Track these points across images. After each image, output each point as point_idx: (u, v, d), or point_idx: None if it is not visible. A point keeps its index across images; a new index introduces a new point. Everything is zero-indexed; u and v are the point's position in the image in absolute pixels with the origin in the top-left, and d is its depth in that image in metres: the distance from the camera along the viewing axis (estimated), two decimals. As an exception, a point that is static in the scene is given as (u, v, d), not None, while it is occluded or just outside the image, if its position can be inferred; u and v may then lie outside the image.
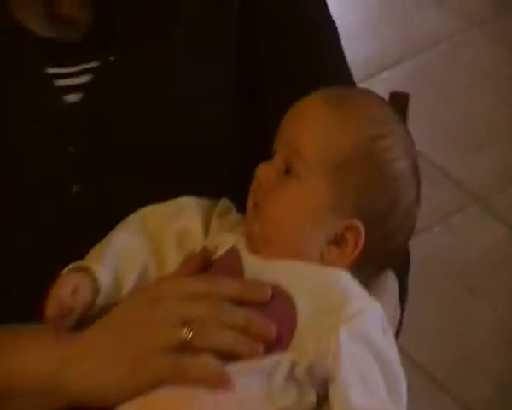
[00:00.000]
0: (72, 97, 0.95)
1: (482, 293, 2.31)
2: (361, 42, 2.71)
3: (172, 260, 0.97)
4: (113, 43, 0.96)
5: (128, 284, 0.94)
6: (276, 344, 0.88)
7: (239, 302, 0.89)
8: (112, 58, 0.97)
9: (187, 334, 0.87)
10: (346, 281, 0.92)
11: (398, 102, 1.25)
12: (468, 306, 2.30)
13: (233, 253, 0.94)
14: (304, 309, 0.89)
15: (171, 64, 1.01)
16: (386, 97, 1.20)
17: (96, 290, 0.91)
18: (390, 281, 1.05)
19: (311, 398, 0.87)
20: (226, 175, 1.06)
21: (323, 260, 0.93)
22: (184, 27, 1.01)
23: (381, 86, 2.36)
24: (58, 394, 0.90)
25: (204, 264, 0.94)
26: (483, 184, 2.46)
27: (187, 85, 1.03)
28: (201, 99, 1.04)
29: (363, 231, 0.93)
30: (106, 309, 0.92)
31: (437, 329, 2.22)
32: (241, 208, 0.99)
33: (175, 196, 0.98)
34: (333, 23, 1.11)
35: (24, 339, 0.93)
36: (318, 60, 1.10)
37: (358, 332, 0.88)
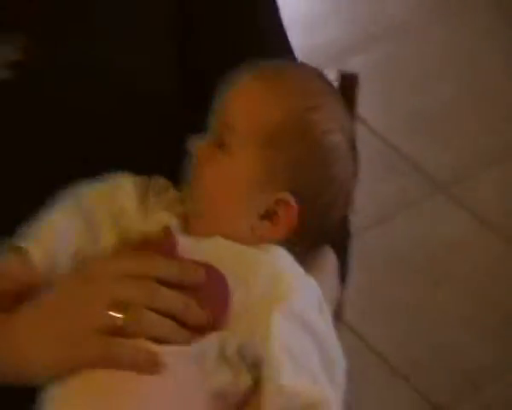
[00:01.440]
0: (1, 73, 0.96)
1: (446, 285, 2.35)
2: (326, 26, 2.74)
3: (108, 241, 0.97)
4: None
5: (63, 265, 0.93)
6: (209, 327, 0.89)
7: (174, 285, 0.89)
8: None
9: (120, 318, 0.87)
10: (278, 257, 0.92)
11: (348, 82, 1.33)
12: (433, 299, 2.32)
13: (167, 233, 0.94)
14: (237, 290, 0.89)
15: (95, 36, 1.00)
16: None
17: (31, 271, 0.91)
18: (328, 257, 1.06)
19: (247, 379, 0.88)
20: (166, 151, 1.03)
21: (255, 235, 0.93)
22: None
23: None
24: None
25: (142, 247, 0.94)
26: (447, 174, 2.51)
27: (117, 57, 1.02)
28: (135, 70, 1.03)
29: (294, 204, 0.93)
30: (40, 289, 0.91)
31: (393, 314, 2.24)
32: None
33: (111, 171, 0.98)
34: None
35: None
36: (255, 27, 1.10)
37: (292, 312, 0.88)
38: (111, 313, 0.87)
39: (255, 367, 0.88)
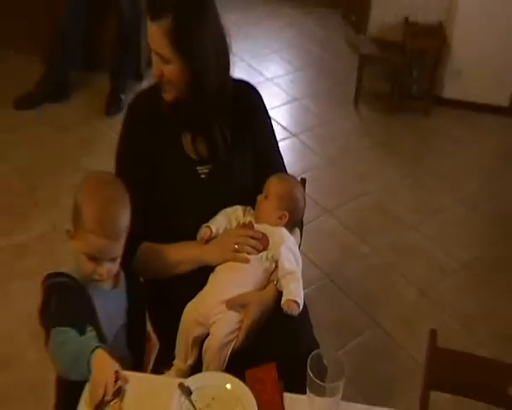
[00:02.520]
0: (203, 176, 2.35)
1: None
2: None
3: (233, 225, 2.39)
4: (216, 157, 2.37)
5: (220, 232, 2.36)
6: (263, 250, 2.34)
7: (253, 238, 2.34)
8: (216, 164, 2.39)
9: (237, 247, 2.32)
10: (283, 231, 2.37)
11: (303, 181, 2.77)
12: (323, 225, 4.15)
13: (251, 222, 2.40)
14: (271, 239, 2.36)
15: (235, 164, 2.38)
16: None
17: (211, 232, 2.34)
18: (297, 230, 2.51)
19: (273, 265, 2.33)
20: (251, 200, 2.41)
21: (276, 224, 2.37)
22: (235, 143, 2.42)
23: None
24: (197, 262, 2.35)
25: (244, 226, 2.40)
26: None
27: (241, 174, 2.38)
28: (245, 178, 2.39)
29: (288, 215, 2.38)
30: (214, 238, 2.37)
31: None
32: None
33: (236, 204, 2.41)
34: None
35: (188, 243, 2.34)
36: (275, 160, 2.55)
37: (287, 247, 2.34)
38: (234, 246, 2.35)
39: (276, 262, 2.33)
